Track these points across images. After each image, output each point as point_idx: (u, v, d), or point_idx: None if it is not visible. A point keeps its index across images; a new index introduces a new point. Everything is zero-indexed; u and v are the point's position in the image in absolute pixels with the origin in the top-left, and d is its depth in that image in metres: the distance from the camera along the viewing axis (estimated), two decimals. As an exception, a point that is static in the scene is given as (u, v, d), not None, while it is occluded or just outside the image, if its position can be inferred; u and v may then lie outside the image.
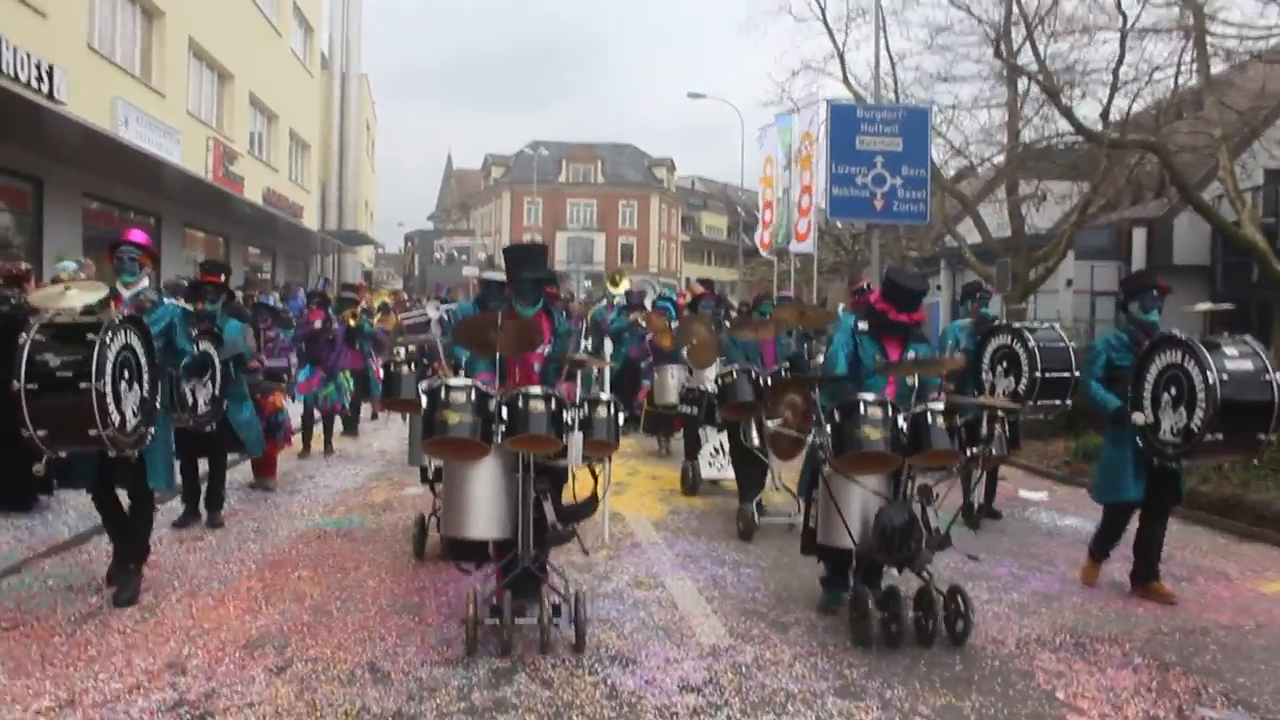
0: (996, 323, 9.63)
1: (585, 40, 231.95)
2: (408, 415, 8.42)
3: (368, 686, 5.03)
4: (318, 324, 12.52)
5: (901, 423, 5.82)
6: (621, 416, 6.02)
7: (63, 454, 5.94)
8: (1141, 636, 6.15)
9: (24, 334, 5.54)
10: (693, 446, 10.66)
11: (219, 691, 4.93)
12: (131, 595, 6.28)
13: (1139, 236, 29.25)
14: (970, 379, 9.03)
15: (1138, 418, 6.64)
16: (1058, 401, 8.77)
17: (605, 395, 6.07)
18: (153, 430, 6.09)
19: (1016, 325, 9.18)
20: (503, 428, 5.51)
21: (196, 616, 6.09)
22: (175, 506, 8.63)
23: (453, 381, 5.61)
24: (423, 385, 5.99)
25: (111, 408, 5.55)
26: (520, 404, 5.53)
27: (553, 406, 5.57)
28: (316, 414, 12.72)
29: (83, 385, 5.40)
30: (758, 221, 33.69)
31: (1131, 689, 5.23)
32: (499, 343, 5.76)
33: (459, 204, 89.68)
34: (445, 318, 13.16)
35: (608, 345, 14.88)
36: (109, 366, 5.53)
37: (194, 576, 6.99)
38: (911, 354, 6.45)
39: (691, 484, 10.44)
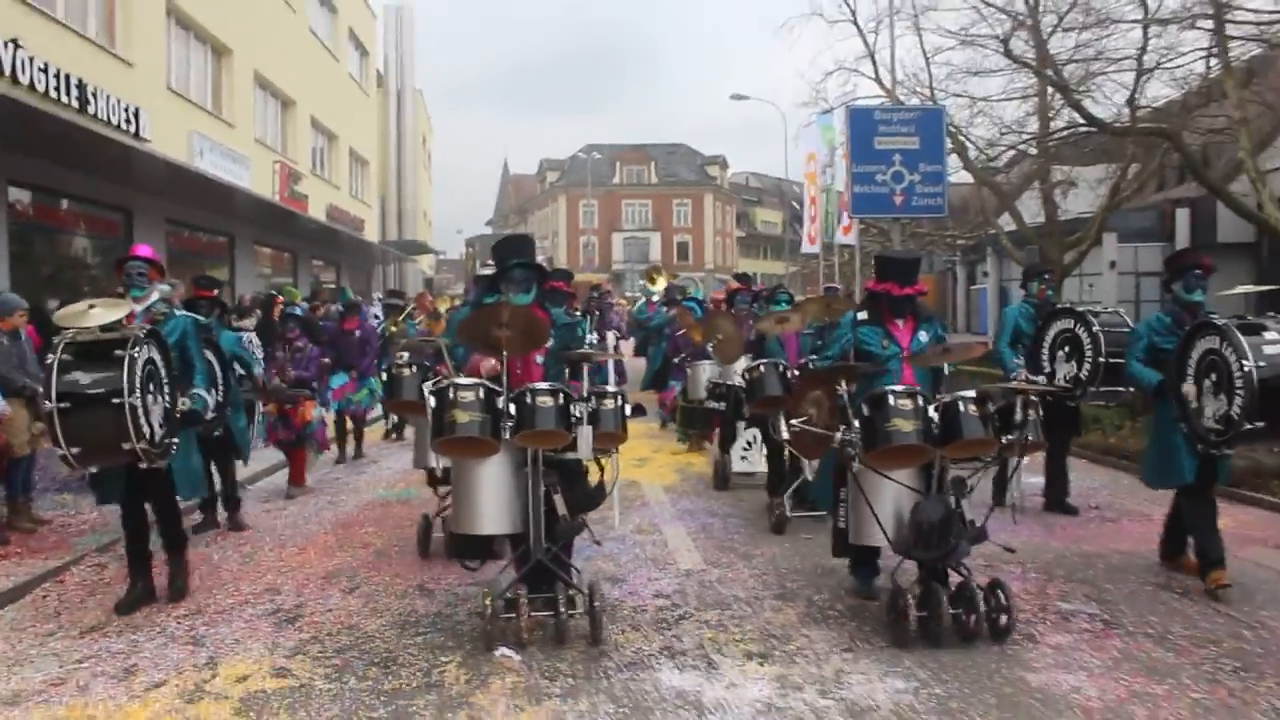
0: (1059, 306, 9.30)
1: (636, 43, 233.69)
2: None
3: (416, 599, 6.63)
4: (356, 333, 12.74)
5: (932, 413, 5.72)
6: (629, 407, 6.29)
7: (93, 470, 6.18)
8: (1045, 560, 7.43)
9: (50, 354, 5.72)
10: (727, 441, 10.70)
11: (305, 604, 6.55)
12: (182, 586, 6.64)
13: (1182, 217, 29.46)
14: (1029, 363, 8.83)
15: (1188, 389, 6.46)
16: (1122, 388, 8.33)
17: (612, 387, 6.44)
18: (176, 440, 6.29)
19: (1081, 309, 8.79)
20: (511, 424, 5.56)
21: (285, 559, 7.76)
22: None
23: (461, 381, 5.68)
24: (428, 386, 6.10)
25: (144, 421, 5.71)
26: (528, 400, 5.59)
27: (560, 401, 5.65)
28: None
29: (115, 401, 5.57)
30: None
31: (1015, 592, 6.11)
32: (504, 341, 5.65)
33: (516, 209, 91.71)
34: None
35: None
36: (138, 381, 5.70)
37: (281, 534, 8.68)
38: (923, 335, 6.34)
39: (723, 478, 10.41)
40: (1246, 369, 5.99)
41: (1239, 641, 5.70)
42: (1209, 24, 18.02)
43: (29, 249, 15.50)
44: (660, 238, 79.93)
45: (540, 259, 6.82)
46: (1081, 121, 21.18)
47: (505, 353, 5.68)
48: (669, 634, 5.88)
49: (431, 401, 5.66)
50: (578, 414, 5.72)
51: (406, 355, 8.35)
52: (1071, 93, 20.52)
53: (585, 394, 6.01)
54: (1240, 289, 8.13)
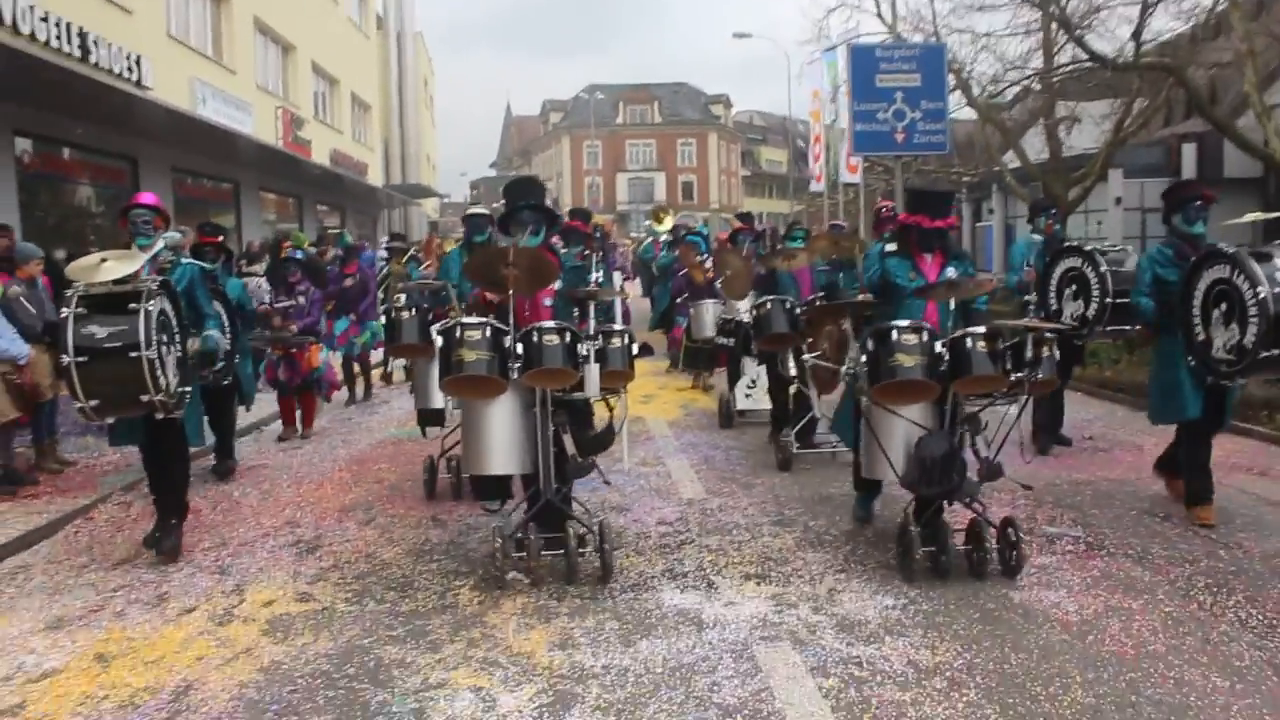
0: (1067, 244, 9.10)
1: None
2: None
3: (430, 529, 6.93)
4: (348, 280, 12.85)
5: (940, 349, 5.66)
6: (636, 346, 6.26)
7: (110, 420, 6.27)
8: (1036, 487, 7.48)
9: (64, 309, 5.73)
10: (733, 378, 10.73)
11: (324, 535, 6.86)
12: (175, 544, 6.45)
13: (1189, 152, 29.29)
14: (1037, 299, 8.79)
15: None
16: (1128, 327, 8.23)
17: (619, 325, 6.42)
18: (189, 389, 6.29)
19: (1089, 248, 8.62)
20: (518, 364, 5.57)
21: (303, 494, 8.08)
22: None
23: (467, 320, 5.67)
24: (436, 326, 6.05)
25: (160, 372, 5.74)
26: (534, 339, 5.58)
27: (567, 340, 5.63)
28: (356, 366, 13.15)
29: (133, 354, 5.59)
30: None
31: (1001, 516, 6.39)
32: (511, 279, 5.65)
33: (520, 150, 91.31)
34: None
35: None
36: (154, 333, 5.70)
37: (298, 471, 8.98)
38: (951, 271, 6.18)
39: (727, 416, 10.46)
40: (1262, 295, 5.88)
41: (1214, 561, 5.98)
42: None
43: (36, 199, 15.64)
44: (665, 178, 79.66)
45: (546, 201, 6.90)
46: (1085, 57, 21.16)
47: (511, 292, 5.68)
48: (671, 558, 6.18)
49: (439, 341, 5.73)
50: (585, 352, 5.73)
51: (404, 298, 8.31)
52: (1074, 28, 20.51)
53: (592, 332, 6.03)
54: (1249, 217, 8.18)
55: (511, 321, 5.67)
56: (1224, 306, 6.20)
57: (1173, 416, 6.89)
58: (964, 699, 4.22)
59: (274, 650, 4.90)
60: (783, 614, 5.22)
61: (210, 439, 8.52)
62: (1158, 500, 7.34)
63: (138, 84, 17.16)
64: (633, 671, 4.55)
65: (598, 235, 20.27)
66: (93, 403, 5.71)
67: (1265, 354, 5.97)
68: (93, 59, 15.67)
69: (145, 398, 5.72)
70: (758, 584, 5.69)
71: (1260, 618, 5.04)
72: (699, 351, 12.79)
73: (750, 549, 6.33)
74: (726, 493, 7.76)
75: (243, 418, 9.75)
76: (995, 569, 5.69)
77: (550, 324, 5.70)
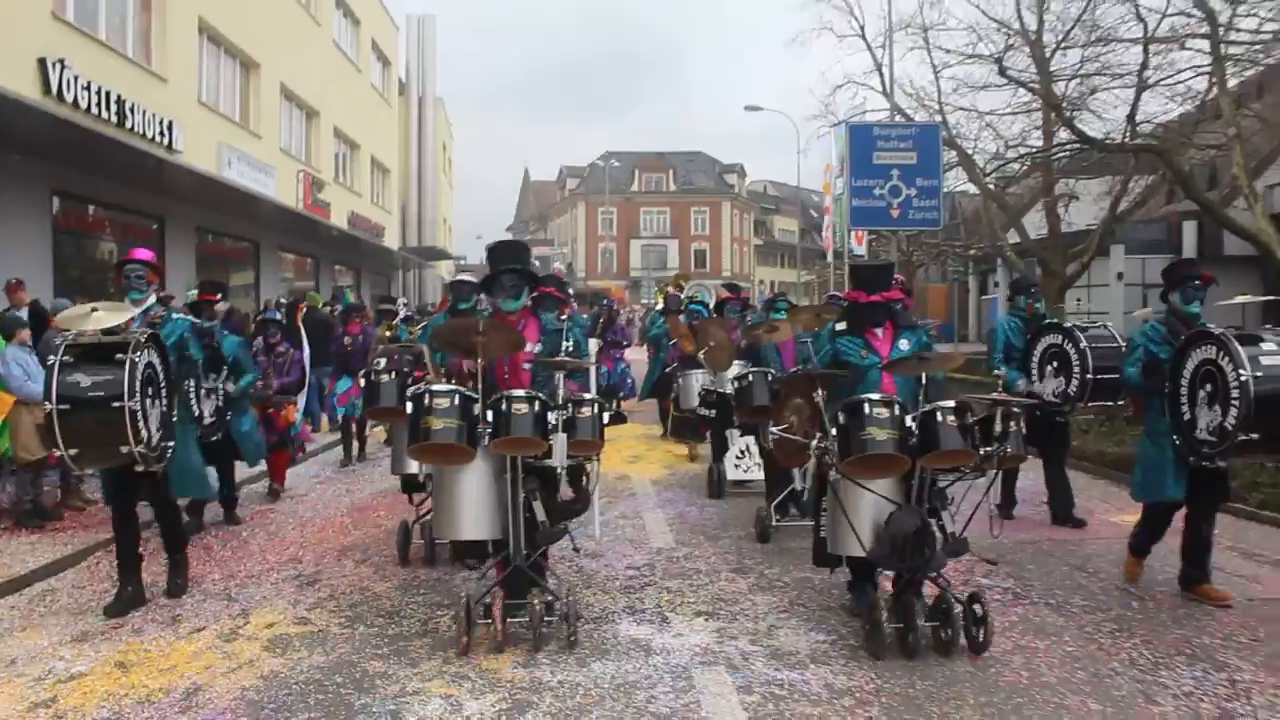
0: (1048, 321, 9.25)
1: (656, 52, 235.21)
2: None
3: (419, 568, 7.70)
4: (346, 339, 13.05)
5: (910, 422, 5.69)
6: (606, 415, 6.39)
7: (90, 471, 6.45)
8: (982, 546, 8.22)
9: (51, 356, 5.82)
10: (719, 450, 10.71)
11: (323, 571, 7.58)
12: (182, 584, 6.83)
13: (1189, 229, 29.62)
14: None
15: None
16: (1110, 403, 8.42)
17: (590, 395, 6.51)
18: (172, 444, 6.38)
19: (1068, 324, 8.84)
20: (488, 431, 5.69)
21: (306, 536, 8.81)
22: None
23: (436, 387, 5.76)
24: (409, 392, 6.18)
25: (142, 424, 5.81)
26: (504, 407, 5.66)
27: (536, 408, 5.71)
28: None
29: (115, 404, 5.64)
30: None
31: (945, 570, 7.02)
32: (481, 347, 5.77)
33: (536, 215, 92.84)
34: None
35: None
36: (138, 384, 5.78)
37: (302, 516, 9.71)
38: (904, 344, 6.26)
39: (717, 486, 10.40)
40: (1243, 378, 5.95)
41: (1125, 610, 6.59)
42: (1205, 44, 18.71)
43: (69, 255, 16.58)
44: (678, 245, 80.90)
45: (559, 266, 7.37)
46: (1080, 138, 21.74)
47: (480, 360, 5.81)
48: (633, 597, 6.86)
49: (409, 407, 5.87)
50: (554, 422, 5.81)
51: (383, 362, 8.41)
52: (1064, 110, 21.31)
53: (562, 401, 6.03)
54: (1239, 299, 8.44)
55: (482, 388, 5.79)
56: (1209, 387, 6.28)
57: (1154, 495, 6.89)
58: (866, 714, 4.87)
59: (273, 662, 5.60)
60: (723, 644, 5.88)
61: (215, 487, 8.80)
62: (1090, 558, 7.94)
63: (169, 148, 18.17)
64: (583, 686, 5.22)
65: (603, 302, 21.03)
66: (72, 451, 5.76)
67: (1244, 438, 6.02)
68: (129, 124, 16.73)
69: (125, 449, 5.76)
70: (706, 619, 6.35)
71: (1149, 658, 5.66)
72: (685, 421, 12.79)
73: (706, 591, 6.99)
74: (693, 543, 8.42)
75: (242, 471, 10.09)
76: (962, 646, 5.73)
77: (521, 393, 5.79)
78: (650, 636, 6.01)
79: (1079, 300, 28.19)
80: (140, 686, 5.21)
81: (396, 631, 6.13)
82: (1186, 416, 6.46)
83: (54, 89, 14.58)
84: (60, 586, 7.22)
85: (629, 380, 17.56)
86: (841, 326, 6.47)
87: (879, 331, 6.31)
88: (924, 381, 6.16)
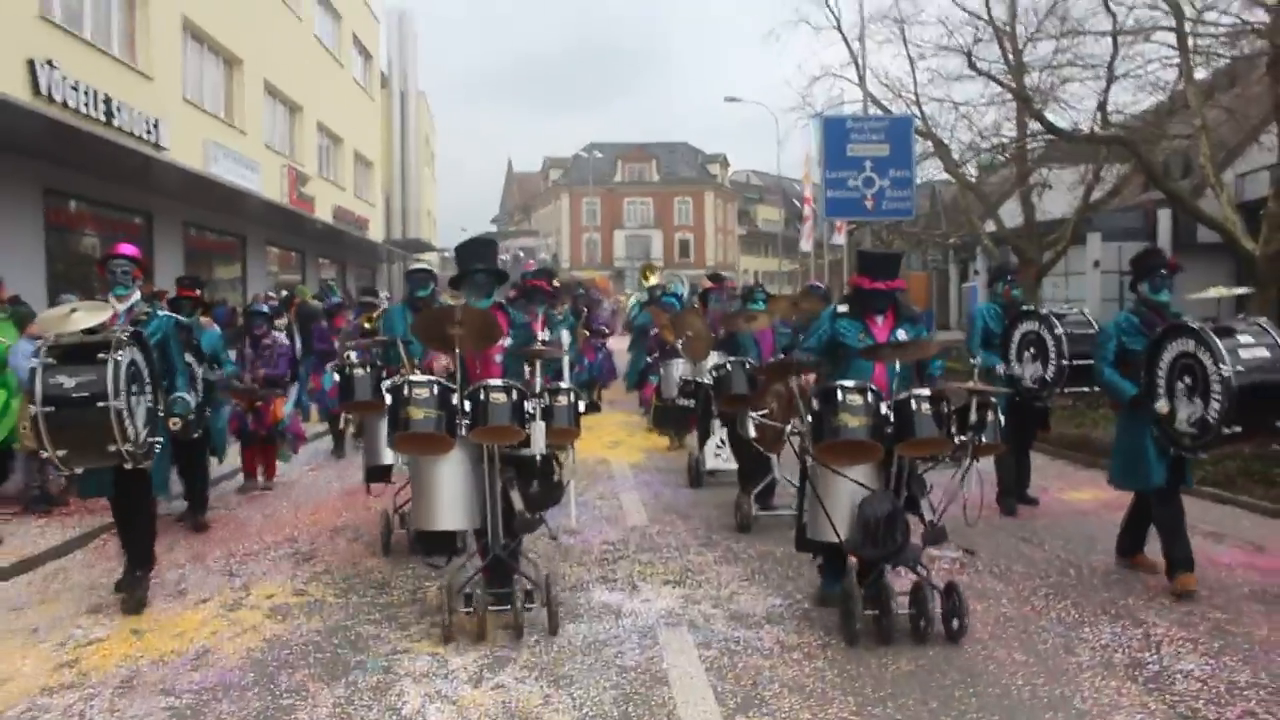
0: (1025, 308, 9.38)
1: (640, 43, 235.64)
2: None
3: (408, 545, 8.07)
4: (334, 333, 12.96)
5: (885, 410, 5.73)
6: (582, 404, 6.52)
7: (79, 471, 6.22)
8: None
9: (34, 358, 5.74)
10: (703, 438, 10.76)
11: (318, 548, 8.09)
12: (142, 598, 6.45)
13: (1164, 217, 30.14)
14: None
15: (1161, 406, 6.48)
16: (1087, 389, 8.46)
17: (565, 384, 6.60)
18: (160, 440, 6.29)
19: (1045, 311, 8.93)
20: (466, 420, 5.76)
21: (301, 518, 9.30)
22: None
23: (415, 378, 5.83)
24: (386, 384, 6.27)
25: (128, 422, 5.76)
26: (482, 397, 5.74)
27: (514, 397, 5.79)
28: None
29: (100, 404, 5.59)
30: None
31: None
32: (458, 339, 5.83)
33: (520, 206, 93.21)
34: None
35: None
36: (121, 383, 5.72)
37: (297, 500, 10.23)
38: (901, 333, 6.26)
39: (696, 475, 10.50)
40: (1225, 374, 5.98)
41: (1063, 577, 7.15)
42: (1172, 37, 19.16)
43: (60, 251, 16.97)
44: (662, 235, 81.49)
45: (544, 256, 7.71)
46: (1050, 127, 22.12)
47: (458, 351, 5.89)
48: (607, 568, 7.41)
49: (388, 399, 5.94)
50: (531, 410, 5.92)
51: (355, 355, 8.43)
52: (1032, 103, 21.77)
53: (539, 390, 6.16)
54: (1212, 292, 8.33)
55: (460, 379, 5.87)
56: (1188, 380, 6.30)
57: (1137, 484, 6.95)
58: (812, 665, 5.43)
59: (275, 628, 6.13)
60: (687, 608, 6.43)
61: (177, 489, 8.73)
62: (1037, 531, 8.52)
63: (155, 145, 18.54)
64: (558, 644, 5.78)
65: (581, 292, 21.52)
66: (60, 452, 5.71)
67: (1228, 431, 6.11)
68: (115, 122, 17.12)
69: (113, 448, 5.73)
70: (674, 587, 6.90)
71: (1075, 616, 6.23)
72: (667, 411, 12.97)
73: (675, 563, 7.54)
74: (666, 521, 8.97)
75: (222, 465, 10.35)
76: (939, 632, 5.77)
77: (498, 382, 5.88)
78: (621, 602, 6.55)
79: (1054, 286, 28.65)
80: (154, 649, 5.72)
81: (387, 600, 6.65)
82: (1165, 409, 6.48)
83: (43, 90, 14.96)
84: (71, 566, 7.71)
85: (610, 366, 18.14)
86: (844, 309, 6.47)
87: (879, 319, 6.32)
88: (924, 373, 6.32)
